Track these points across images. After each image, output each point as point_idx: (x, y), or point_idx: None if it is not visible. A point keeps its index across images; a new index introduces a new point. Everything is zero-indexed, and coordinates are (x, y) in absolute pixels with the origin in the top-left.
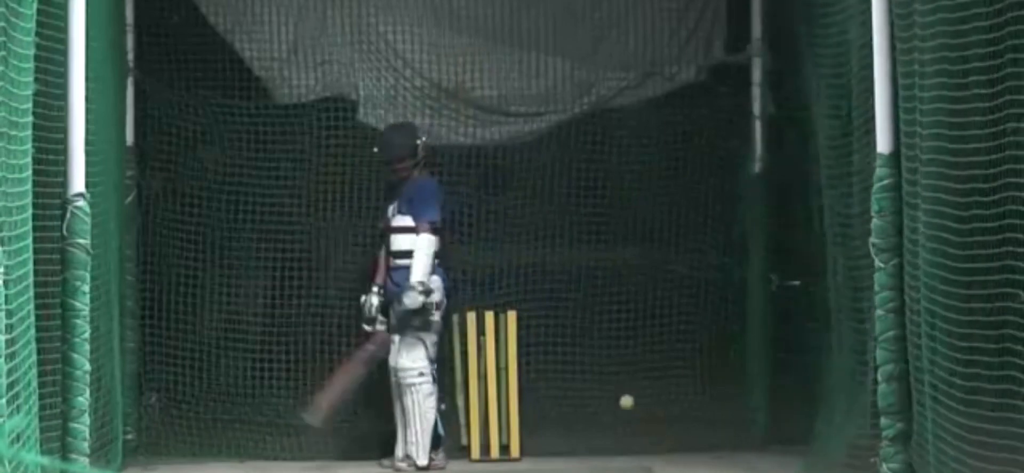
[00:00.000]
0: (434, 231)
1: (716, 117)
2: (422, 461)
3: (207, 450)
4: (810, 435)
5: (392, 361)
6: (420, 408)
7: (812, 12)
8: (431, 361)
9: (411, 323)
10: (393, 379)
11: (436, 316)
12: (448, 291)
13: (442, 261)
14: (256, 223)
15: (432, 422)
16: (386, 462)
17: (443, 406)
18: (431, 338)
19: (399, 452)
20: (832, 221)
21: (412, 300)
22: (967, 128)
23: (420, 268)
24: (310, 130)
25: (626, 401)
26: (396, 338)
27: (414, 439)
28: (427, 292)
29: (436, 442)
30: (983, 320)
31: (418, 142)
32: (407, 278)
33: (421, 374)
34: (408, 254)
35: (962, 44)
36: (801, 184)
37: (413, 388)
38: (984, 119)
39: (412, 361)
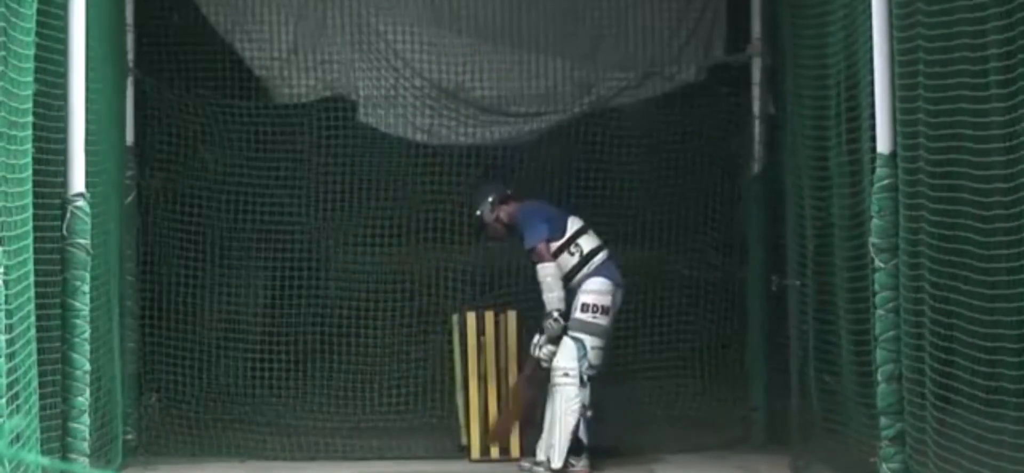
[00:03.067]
0: (550, 254)
1: (716, 117)
2: (556, 464)
3: (207, 450)
4: (809, 435)
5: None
6: (560, 409)
7: (802, 11)
8: (590, 365)
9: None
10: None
11: (604, 321)
12: (619, 284)
13: (603, 259)
14: (256, 223)
15: (572, 426)
16: (525, 463)
17: (590, 413)
18: (591, 341)
19: (540, 454)
20: (822, 221)
21: (551, 332)
22: (989, 128)
23: (546, 299)
24: (310, 130)
25: None
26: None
27: (553, 441)
28: (558, 317)
29: (577, 448)
30: (1006, 320)
31: (486, 201)
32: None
33: (566, 375)
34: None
35: (982, 44)
36: (800, 184)
37: (557, 388)
38: (1003, 119)
39: (561, 360)
